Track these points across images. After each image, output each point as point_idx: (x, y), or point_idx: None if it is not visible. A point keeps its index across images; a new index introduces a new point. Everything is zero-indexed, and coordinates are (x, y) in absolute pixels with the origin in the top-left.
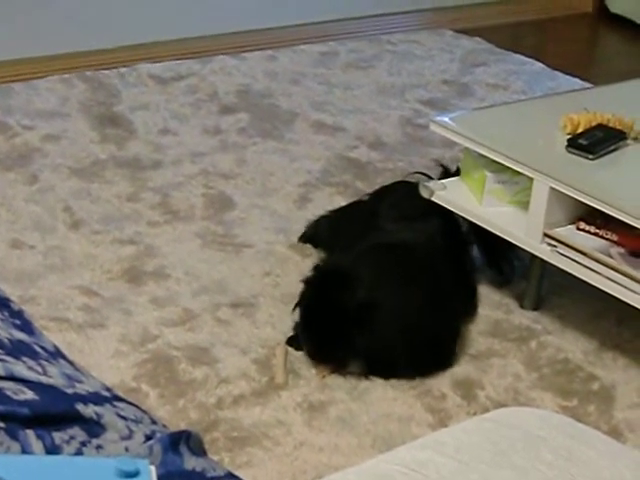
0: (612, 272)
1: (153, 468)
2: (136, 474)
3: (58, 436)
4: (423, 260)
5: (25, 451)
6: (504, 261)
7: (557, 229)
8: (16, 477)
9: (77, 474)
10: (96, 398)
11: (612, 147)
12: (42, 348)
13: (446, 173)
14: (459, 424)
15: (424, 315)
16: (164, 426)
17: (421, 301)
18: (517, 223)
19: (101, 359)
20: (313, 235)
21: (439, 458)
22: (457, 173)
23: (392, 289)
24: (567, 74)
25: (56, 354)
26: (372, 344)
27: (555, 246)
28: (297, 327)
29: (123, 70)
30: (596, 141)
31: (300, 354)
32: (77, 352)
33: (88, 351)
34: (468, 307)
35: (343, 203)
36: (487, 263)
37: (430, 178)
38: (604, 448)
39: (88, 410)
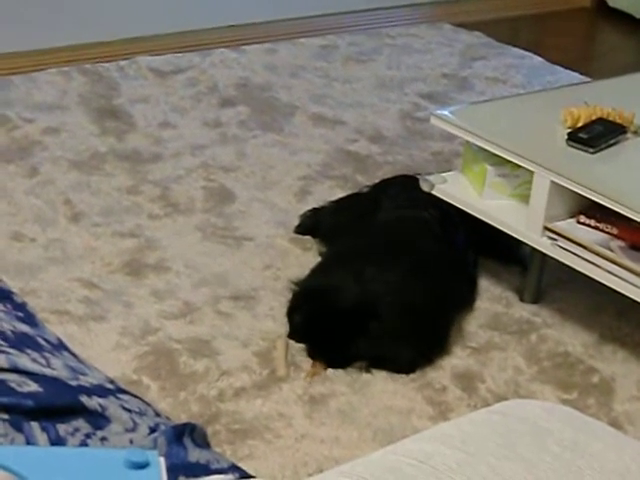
0: (612, 265)
1: (162, 459)
2: (146, 465)
3: (62, 428)
4: (418, 248)
5: (29, 443)
6: (508, 251)
7: (557, 222)
8: (25, 469)
9: (86, 465)
10: (100, 390)
11: (612, 141)
12: (45, 340)
13: None
14: (465, 416)
15: (420, 304)
16: (167, 418)
17: (416, 290)
18: (517, 216)
19: (102, 352)
20: (312, 226)
21: (446, 450)
22: None
23: (389, 284)
24: (566, 68)
25: (59, 346)
26: (374, 344)
27: (555, 239)
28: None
29: (123, 63)
30: (596, 135)
31: (301, 346)
32: (78, 345)
33: (89, 344)
34: (466, 297)
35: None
36: (495, 256)
37: None
38: (610, 440)
39: (92, 402)
